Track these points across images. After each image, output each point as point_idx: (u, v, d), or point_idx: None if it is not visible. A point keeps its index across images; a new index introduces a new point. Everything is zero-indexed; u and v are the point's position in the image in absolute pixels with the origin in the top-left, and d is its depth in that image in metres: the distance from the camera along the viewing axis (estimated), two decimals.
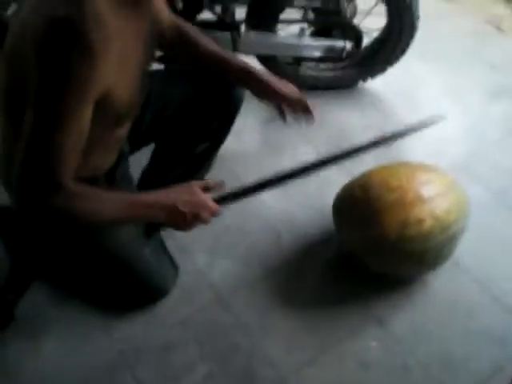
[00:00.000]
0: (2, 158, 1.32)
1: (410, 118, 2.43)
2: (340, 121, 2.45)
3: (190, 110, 1.66)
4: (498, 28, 3.16)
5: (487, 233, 1.95)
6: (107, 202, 1.23)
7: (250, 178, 2.09)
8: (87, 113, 1.11)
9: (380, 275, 1.76)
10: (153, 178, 1.81)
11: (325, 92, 2.58)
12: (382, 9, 2.38)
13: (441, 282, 1.80)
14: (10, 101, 1.22)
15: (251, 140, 2.15)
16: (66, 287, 1.71)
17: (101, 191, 1.24)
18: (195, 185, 1.32)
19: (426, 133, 2.36)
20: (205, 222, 1.32)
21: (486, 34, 3.12)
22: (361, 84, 2.62)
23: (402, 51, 2.47)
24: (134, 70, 1.22)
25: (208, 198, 1.32)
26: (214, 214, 1.33)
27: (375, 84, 2.62)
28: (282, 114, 1.62)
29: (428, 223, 1.57)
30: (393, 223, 1.58)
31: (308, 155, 2.21)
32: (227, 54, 1.59)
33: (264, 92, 1.58)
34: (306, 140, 2.31)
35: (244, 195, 1.44)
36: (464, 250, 1.82)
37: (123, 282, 1.59)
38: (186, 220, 1.28)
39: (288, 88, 1.59)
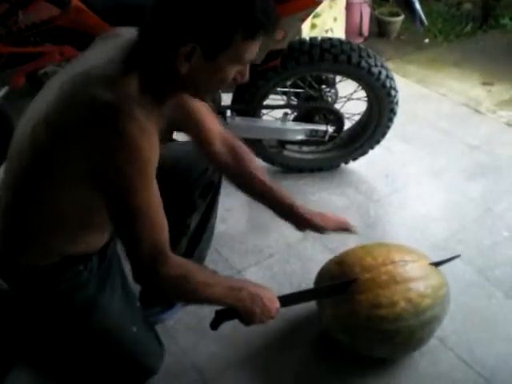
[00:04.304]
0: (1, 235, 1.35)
1: (390, 198, 2.53)
2: (323, 201, 2.51)
3: (170, 181, 1.65)
4: (476, 110, 3.30)
5: (472, 310, 1.96)
6: (211, 279, 1.34)
7: (237, 259, 2.14)
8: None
9: (363, 355, 1.75)
10: None
11: (308, 173, 2.66)
12: (362, 93, 2.50)
13: (426, 361, 1.79)
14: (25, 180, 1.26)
15: (236, 222, 2.18)
16: (49, 370, 1.69)
17: (196, 265, 1.36)
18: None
19: (408, 213, 2.44)
20: (272, 318, 1.43)
21: (464, 115, 3.25)
22: (343, 164, 2.70)
23: (383, 134, 2.57)
24: None
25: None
26: (277, 314, 1.44)
27: (357, 164, 2.69)
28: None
29: (400, 305, 1.57)
30: (364, 302, 1.58)
31: (293, 236, 2.26)
32: (274, 184, 1.64)
33: (301, 226, 1.64)
34: None
35: (300, 301, 1.65)
36: (449, 328, 1.83)
37: (111, 362, 1.57)
38: (262, 312, 1.39)
39: (325, 221, 1.64)
